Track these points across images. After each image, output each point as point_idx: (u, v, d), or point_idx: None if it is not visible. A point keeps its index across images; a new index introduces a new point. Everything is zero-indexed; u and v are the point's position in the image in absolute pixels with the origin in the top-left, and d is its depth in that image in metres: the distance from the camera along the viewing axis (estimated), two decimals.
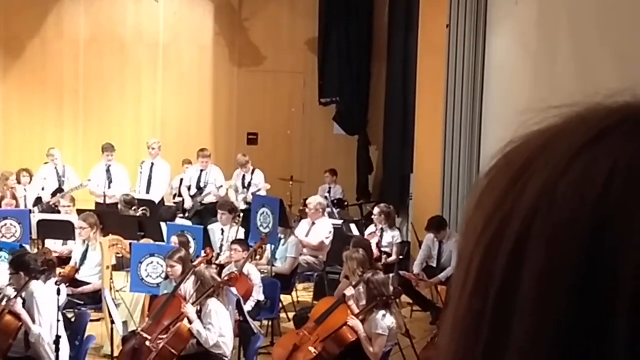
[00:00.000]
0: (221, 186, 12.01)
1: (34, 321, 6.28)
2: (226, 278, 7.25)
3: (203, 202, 11.99)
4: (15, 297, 6.34)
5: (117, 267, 8.39)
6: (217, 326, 6.46)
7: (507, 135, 0.60)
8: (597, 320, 0.52)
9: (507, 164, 0.59)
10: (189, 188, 12.18)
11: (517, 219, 0.55)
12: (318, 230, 10.13)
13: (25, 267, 6.45)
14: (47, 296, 6.43)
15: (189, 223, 10.48)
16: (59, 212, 10.53)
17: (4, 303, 6.39)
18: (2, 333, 6.28)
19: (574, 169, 0.55)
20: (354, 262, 7.33)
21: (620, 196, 0.53)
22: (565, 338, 0.53)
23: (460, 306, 0.59)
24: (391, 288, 7.18)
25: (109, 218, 9.36)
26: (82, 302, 8.12)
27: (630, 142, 0.54)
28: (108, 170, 12.01)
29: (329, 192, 12.74)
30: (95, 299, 8.18)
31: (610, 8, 6.29)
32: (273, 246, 9.21)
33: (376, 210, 10.24)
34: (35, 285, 6.41)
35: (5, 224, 9.14)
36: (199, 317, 6.52)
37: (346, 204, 12.99)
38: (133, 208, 10.36)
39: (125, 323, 7.07)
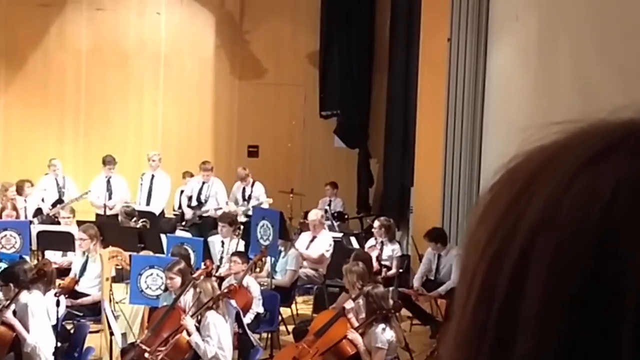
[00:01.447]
0: (220, 208, 11.94)
1: (28, 332, 6.27)
2: (225, 290, 7.24)
3: (202, 215, 12.00)
4: (6, 307, 6.34)
5: (116, 279, 8.38)
6: (216, 338, 6.45)
7: (508, 150, 0.61)
8: (600, 335, 0.52)
9: (510, 179, 0.59)
10: (190, 199, 12.18)
11: (521, 233, 0.56)
12: (318, 243, 10.12)
13: (14, 278, 6.45)
14: (42, 306, 6.42)
15: (188, 235, 10.47)
16: (58, 223, 10.53)
17: None
18: None
19: (578, 185, 0.55)
20: (353, 275, 7.32)
21: (625, 212, 0.53)
22: (568, 353, 0.53)
23: (463, 320, 0.59)
24: (391, 301, 7.17)
25: (108, 229, 9.36)
26: (81, 314, 8.10)
27: (634, 159, 0.55)
28: (108, 182, 12.01)
29: (329, 204, 12.73)
30: (94, 310, 8.16)
31: (609, 23, 6.31)
32: (273, 258, 9.21)
33: (376, 224, 10.24)
34: (28, 296, 6.40)
35: (5, 235, 9.13)
36: (198, 330, 6.50)
37: (346, 216, 12.99)
38: (133, 219, 10.35)
39: (124, 335, 7.06)
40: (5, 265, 7.45)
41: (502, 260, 0.56)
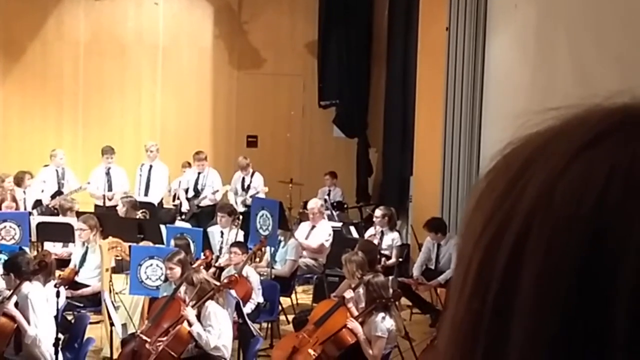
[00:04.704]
0: (217, 191, 11.99)
1: (29, 323, 6.27)
2: (225, 280, 7.24)
3: (200, 205, 12.00)
4: (8, 298, 6.34)
5: (116, 270, 8.38)
6: (217, 328, 6.45)
7: (506, 137, 0.61)
8: (596, 322, 0.52)
9: (506, 165, 0.59)
10: (187, 191, 12.18)
11: (516, 220, 0.56)
12: (318, 233, 10.13)
13: (16, 268, 6.45)
14: (42, 297, 6.41)
15: (188, 225, 10.48)
16: (58, 214, 10.53)
17: None
18: None
19: (573, 171, 0.55)
20: (352, 264, 7.32)
21: (619, 198, 0.53)
22: (564, 339, 0.53)
23: (459, 308, 0.59)
24: (390, 290, 7.18)
25: (108, 220, 9.35)
26: (82, 305, 8.12)
27: (628, 144, 0.55)
28: (108, 173, 12.01)
29: (329, 194, 12.74)
30: (94, 301, 8.17)
31: (607, 13, 6.31)
32: (272, 248, 9.21)
33: (378, 213, 10.22)
34: (30, 287, 6.39)
35: (5, 227, 9.12)
36: (198, 320, 6.51)
37: (346, 206, 12.99)
38: (141, 211, 10.31)
39: (124, 325, 7.07)
40: (6, 257, 7.46)
41: (497, 247, 0.56)
